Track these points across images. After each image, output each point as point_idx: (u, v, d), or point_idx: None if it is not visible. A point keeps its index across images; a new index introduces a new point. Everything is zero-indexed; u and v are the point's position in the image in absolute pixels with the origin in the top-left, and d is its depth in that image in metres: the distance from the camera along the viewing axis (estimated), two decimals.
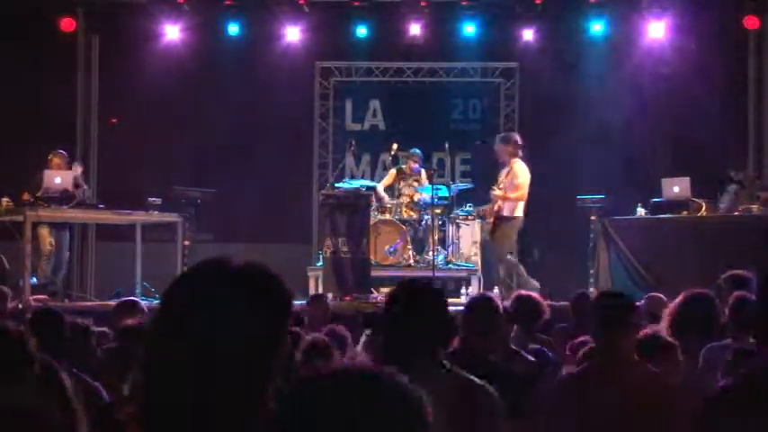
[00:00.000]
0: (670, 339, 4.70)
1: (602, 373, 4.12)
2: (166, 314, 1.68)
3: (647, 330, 4.71)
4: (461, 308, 5.31)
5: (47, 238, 12.08)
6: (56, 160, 12.27)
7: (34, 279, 11.72)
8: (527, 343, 6.02)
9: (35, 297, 10.88)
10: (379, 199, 12.96)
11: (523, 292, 7.04)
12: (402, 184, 13.05)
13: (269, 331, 1.66)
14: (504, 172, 11.39)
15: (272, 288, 1.69)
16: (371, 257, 11.93)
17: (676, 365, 4.57)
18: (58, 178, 11.85)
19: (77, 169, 12.27)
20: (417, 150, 13.07)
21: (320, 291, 11.75)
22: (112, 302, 8.65)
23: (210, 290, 1.66)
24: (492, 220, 11.53)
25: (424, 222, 12.74)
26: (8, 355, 3.23)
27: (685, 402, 3.97)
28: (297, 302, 9.90)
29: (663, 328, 5.14)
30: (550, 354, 6.06)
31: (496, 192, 11.35)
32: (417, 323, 3.49)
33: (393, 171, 13.25)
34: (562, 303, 8.26)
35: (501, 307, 5.03)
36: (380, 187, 13.12)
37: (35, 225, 11.73)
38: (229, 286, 1.67)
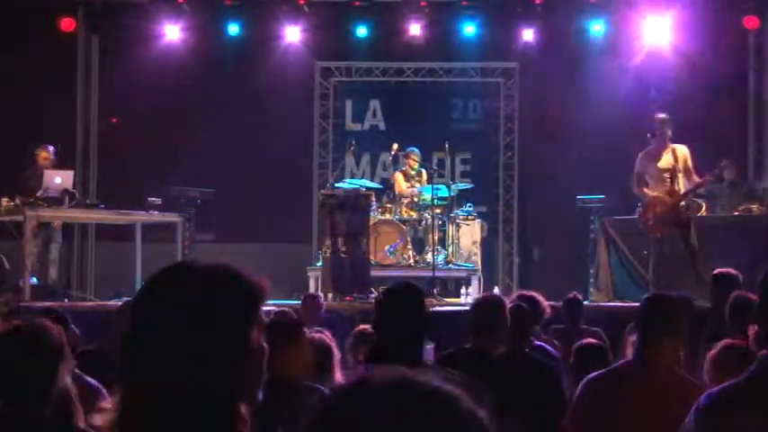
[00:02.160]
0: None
1: (638, 375, 4.01)
2: (134, 316, 1.70)
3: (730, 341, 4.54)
4: (462, 307, 5.33)
5: (33, 238, 12.01)
6: (43, 154, 12.19)
7: (34, 279, 11.71)
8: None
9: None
10: (403, 195, 12.86)
11: (525, 291, 7.04)
12: (406, 185, 13.03)
13: (231, 330, 1.66)
14: (666, 158, 10.44)
15: (233, 288, 1.69)
16: (371, 257, 11.92)
17: None
18: (58, 178, 11.84)
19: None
20: (415, 149, 13.07)
21: (320, 291, 11.75)
22: (112, 303, 8.67)
23: (170, 293, 1.68)
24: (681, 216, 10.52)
25: (423, 222, 12.74)
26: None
27: None
28: (297, 302, 9.88)
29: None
30: (554, 351, 6.06)
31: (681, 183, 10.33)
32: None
33: (397, 175, 13.20)
34: (560, 304, 8.25)
35: (507, 306, 5.05)
36: (406, 191, 12.97)
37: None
38: (190, 287, 1.68)
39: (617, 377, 4.10)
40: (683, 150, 10.48)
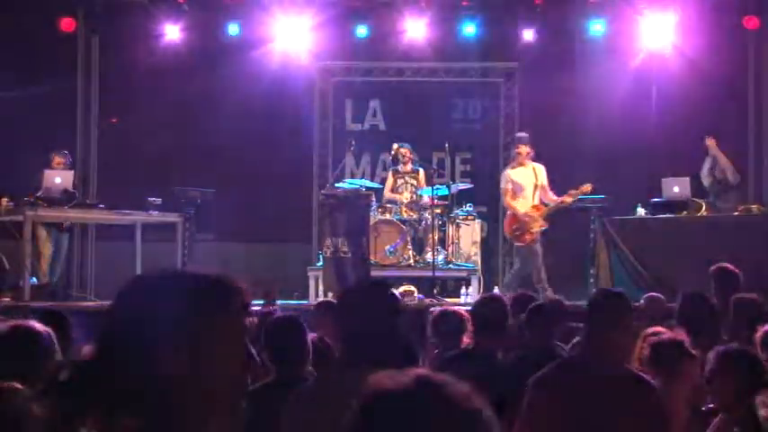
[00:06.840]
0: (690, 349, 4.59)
1: (583, 371, 4.00)
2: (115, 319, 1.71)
3: (668, 335, 4.64)
4: (462, 307, 5.34)
5: (46, 239, 12.06)
6: (58, 159, 12.26)
7: (34, 279, 11.71)
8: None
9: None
10: (389, 201, 12.91)
11: (525, 292, 7.06)
12: (400, 182, 13.01)
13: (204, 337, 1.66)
14: (528, 174, 11.86)
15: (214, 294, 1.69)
16: (371, 257, 11.91)
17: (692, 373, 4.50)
18: (58, 178, 11.86)
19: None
20: (406, 145, 13.07)
21: (320, 291, 11.75)
22: None
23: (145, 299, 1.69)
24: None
25: (423, 222, 12.73)
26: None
27: (664, 411, 3.93)
28: (298, 302, 9.91)
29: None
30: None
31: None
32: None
33: (390, 174, 13.21)
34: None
35: (508, 306, 5.05)
36: (388, 195, 13.02)
37: (34, 225, 11.72)
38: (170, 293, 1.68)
39: (562, 374, 4.07)
40: (541, 168, 11.77)
